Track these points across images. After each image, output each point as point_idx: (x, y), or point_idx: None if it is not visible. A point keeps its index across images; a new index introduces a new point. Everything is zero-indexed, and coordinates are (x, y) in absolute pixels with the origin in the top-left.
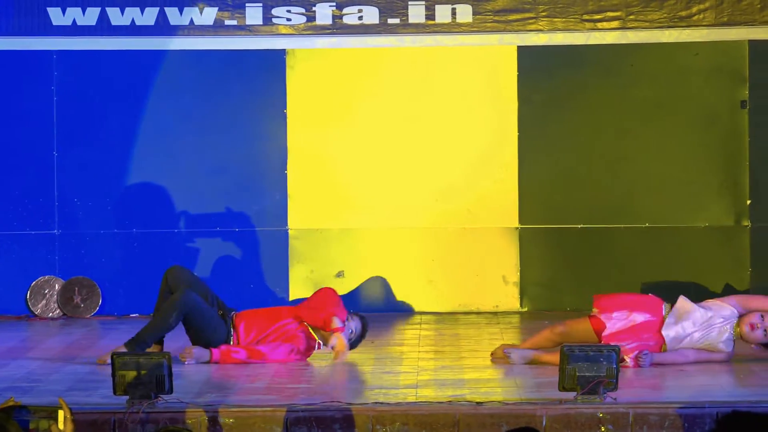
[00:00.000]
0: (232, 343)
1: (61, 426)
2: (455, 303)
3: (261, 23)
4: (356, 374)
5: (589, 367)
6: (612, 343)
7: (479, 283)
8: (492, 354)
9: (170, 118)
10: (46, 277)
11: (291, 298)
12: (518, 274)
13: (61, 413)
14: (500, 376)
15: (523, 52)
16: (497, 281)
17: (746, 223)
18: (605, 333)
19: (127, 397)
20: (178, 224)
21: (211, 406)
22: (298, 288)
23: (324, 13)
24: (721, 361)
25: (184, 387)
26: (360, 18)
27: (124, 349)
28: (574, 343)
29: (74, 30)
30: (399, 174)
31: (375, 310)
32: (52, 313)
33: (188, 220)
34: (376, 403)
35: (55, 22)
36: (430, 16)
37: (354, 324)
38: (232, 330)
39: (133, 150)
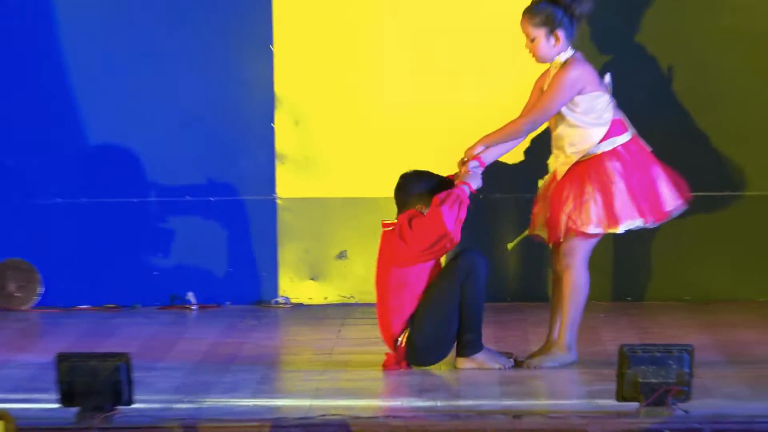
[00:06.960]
0: None
1: None
2: None
3: None
4: (362, 380)
5: (654, 372)
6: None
7: None
8: None
9: (124, 56)
10: None
11: (280, 286)
12: None
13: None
14: (543, 383)
15: None
16: None
17: None
18: None
19: (78, 409)
20: (138, 192)
21: (182, 420)
22: (289, 273)
23: None
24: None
25: (148, 396)
26: None
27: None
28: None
29: None
30: (421, 129)
31: None
32: None
33: (151, 188)
34: (387, 417)
35: None
36: None
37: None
38: None
39: (79, 99)
